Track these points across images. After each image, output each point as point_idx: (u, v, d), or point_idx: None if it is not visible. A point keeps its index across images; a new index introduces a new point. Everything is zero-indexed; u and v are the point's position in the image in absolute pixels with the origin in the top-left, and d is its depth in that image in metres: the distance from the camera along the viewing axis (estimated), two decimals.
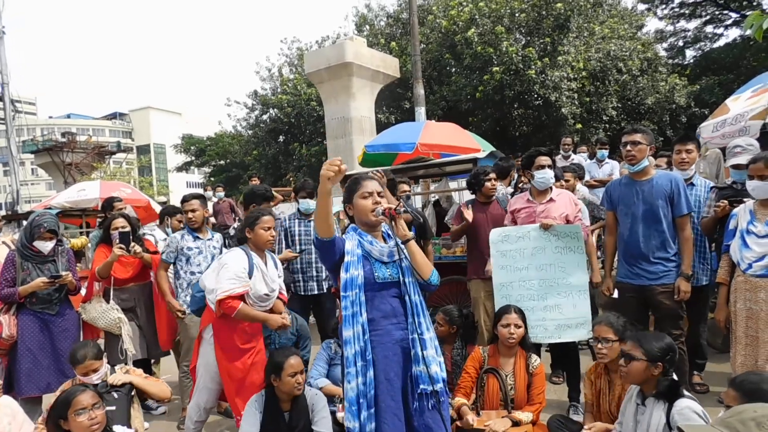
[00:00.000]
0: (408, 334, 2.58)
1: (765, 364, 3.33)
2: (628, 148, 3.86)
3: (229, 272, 3.42)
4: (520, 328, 3.58)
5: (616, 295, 4.18)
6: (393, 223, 2.56)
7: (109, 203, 5.90)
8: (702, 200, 4.32)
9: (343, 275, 2.57)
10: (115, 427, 2.94)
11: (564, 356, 4.47)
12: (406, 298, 2.58)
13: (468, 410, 3.37)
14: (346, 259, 2.59)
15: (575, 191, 5.86)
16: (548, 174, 4.29)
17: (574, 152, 9.46)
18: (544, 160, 4.30)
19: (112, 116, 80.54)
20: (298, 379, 3.28)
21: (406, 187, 5.28)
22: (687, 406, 2.43)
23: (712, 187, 4.33)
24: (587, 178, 8.09)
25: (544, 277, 4.11)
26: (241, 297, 3.43)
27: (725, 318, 3.68)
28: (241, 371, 3.55)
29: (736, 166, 4.01)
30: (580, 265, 4.10)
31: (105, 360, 3.45)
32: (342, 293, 2.58)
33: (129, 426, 3.19)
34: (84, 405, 2.69)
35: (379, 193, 2.67)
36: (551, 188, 4.40)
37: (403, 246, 2.59)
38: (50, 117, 72.45)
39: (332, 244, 2.54)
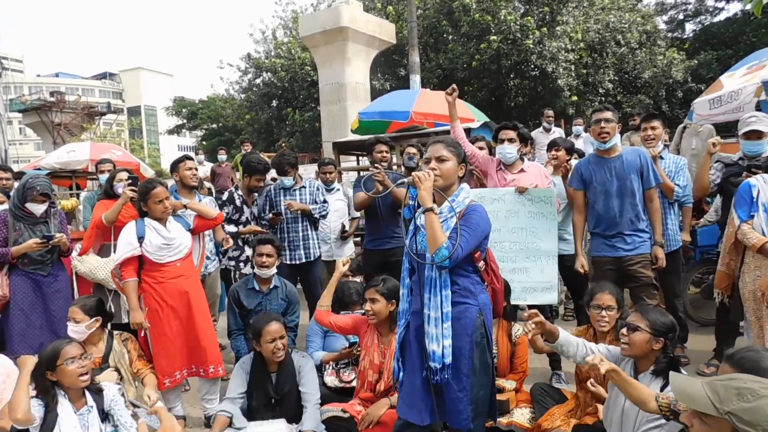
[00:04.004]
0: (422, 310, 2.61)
1: None
2: (602, 125, 3.92)
3: (121, 243, 3.70)
4: None
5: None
6: (416, 191, 2.52)
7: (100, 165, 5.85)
8: (672, 173, 4.41)
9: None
10: (102, 382, 2.99)
11: None
12: (424, 272, 2.56)
13: None
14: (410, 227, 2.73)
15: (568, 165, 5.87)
16: (506, 149, 4.33)
17: (557, 125, 9.48)
18: (506, 134, 4.34)
19: (102, 76, 79.05)
20: (277, 344, 3.33)
21: (413, 150, 5.22)
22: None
23: (717, 160, 4.39)
24: (590, 150, 8.09)
25: (516, 240, 4.23)
26: (139, 259, 3.69)
27: None
28: (162, 333, 3.68)
29: (749, 135, 4.01)
30: (551, 231, 4.21)
31: (95, 322, 3.43)
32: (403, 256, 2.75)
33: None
34: (73, 355, 2.75)
35: (439, 158, 2.61)
36: (522, 160, 4.47)
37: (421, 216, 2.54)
38: (38, 75, 71.01)
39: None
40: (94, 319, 3.42)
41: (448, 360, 2.49)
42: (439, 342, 2.50)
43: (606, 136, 3.93)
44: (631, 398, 2.37)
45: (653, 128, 4.57)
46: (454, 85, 4.31)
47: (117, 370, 3.49)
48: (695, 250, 5.01)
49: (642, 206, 3.96)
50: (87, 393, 2.86)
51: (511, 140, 4.33)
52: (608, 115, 3.92)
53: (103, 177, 5.56)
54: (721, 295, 3.87)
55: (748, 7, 3.66)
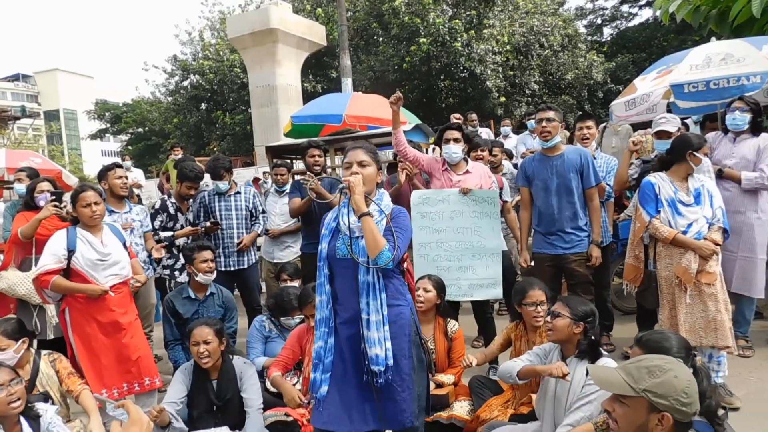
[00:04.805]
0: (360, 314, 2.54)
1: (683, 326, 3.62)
2: (543, 124, 4.10)
3: (46, 252, 3.51)
4: (430, 293, 3.68)
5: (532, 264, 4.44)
6: (350, 197, 2.48)
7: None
8: (604, 173, 4.66)
9: (319, 246, 2.65)
10: (37, 404, 2.85)
11: (482, 322, 4.72)
12: (359, 277, 2.51)
13: None
14: (322, 231, 2.65)
15: (500, 167, 6.09)
16: (452, 149, 4.42)
17: (486, 125, 9.79)
18: (451, 134, 4.45)
19: (15, 78, 74.25)
20: (200, 348, 3.26)
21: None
22: (605, 363, 2.67)
23: (637, 158, 4.65)
24: (522, 150, 8.41)
25: (461, 240, 4.35)
26: (63, 271, 3.49)
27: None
28: (90, 349, 3.55)
29: (660, 134, 4.29)
30: (494, 230, 4.37)
31: (23, 344, 3.23)
32: (318, 263, 2.65)
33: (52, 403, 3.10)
34: (1, 382, 2.60)
35: (360, 163, 2.59)
36: (466, 161, 4.58)
37: (358, 221, 2.49)
38: None
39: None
40: (20, 341, 3.21)
41: (391, 362, 2.51)
42: (382, 345, 2.51)
43: (548, 134, 4.10)
44: None
45: (588, 128, 4.87)
46: (398, 93, 4.33)
47: (46, 394, 3.29)
48: (617, 243, 5.30)
49: (581, 205, 4.14)
50: (22, 420, 2.71)
51: (456, 140, 4.42)
52: (550, 114, 4.08)
53: (20, 187, 5.29)
54: (629, 287, 4.08)
55: (658, 13, 3.95)
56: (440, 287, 3.76)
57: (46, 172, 9.39)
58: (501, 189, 4.96)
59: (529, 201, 4.38)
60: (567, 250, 4.14)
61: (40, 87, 72.86)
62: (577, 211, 4.13)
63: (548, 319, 2.87)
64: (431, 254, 4.35)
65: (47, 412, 2.83)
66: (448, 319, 3.76)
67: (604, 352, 2.77)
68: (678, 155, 3.76)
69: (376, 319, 2.52)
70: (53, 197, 4.06)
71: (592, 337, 2.77)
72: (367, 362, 2.51)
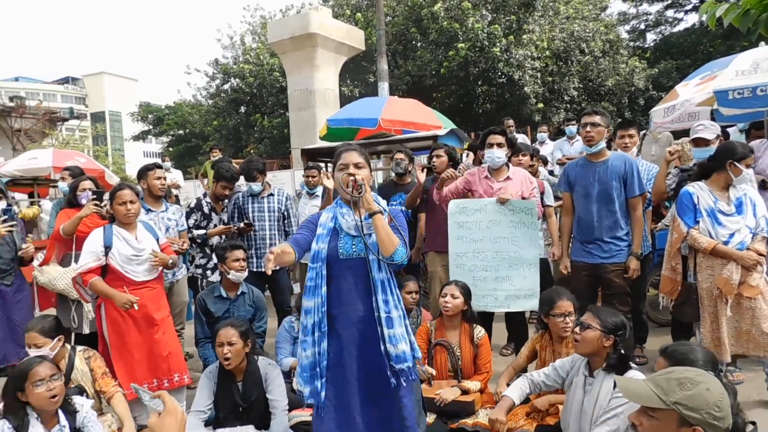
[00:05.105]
0: (373, 313, 2.53)
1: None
2: (588, 129, 3.98)
3: (85, 250, 3.62)
4: (458, 299, 3.65)
5: None
6: (359, 196, 2.48)
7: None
8: (645, 179, 4.49)
9: (313, 246, 2.58)
10: (75, 398, 2.93)
11: (514, 329, 4.65)
12: (372, 275, 2.50)
13: (425, 386, 3.45)
14: (318, 231, 2.60)
15: (537, 174, 6.00)
16: (496, 153, 4.36)
17: (523, 131, 9.69)
18: (494, 138, 4.39)
19: (64, 81, 76.94)
20: (224, 349, 3.28)
21: (401, 155, 5.32)
22: (633, 375, 2.59)
23: (675, 167, 4.53)
24: (559, 156, 8.29)
25: (498, 250, 4.28)
26: (103, 269, 3.61)
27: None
28: (123, 344, 3.63)
29: (698, 142, 4.16)
30: (532, 240, 4.28)
31: (58, 342, 3.29)
32: (309, 264, 2.59)
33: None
34: (42, 376, 2.67)
35: (356, 164, 2.58)
36: (507, 166, 4.50)
37: (369, 220, 2.50)
38: None
39: (301, 256, 2.58)
40: (56, 339, 3.28)
41: (419, 353, 2.52)
42: (407, 340, 2.52)
43: (591, 139, 3.98)
44: None
45: (630, 136, 4.74)
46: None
47: (81, 387, 3.36)
48: (654, 253, 5.16)
49: (622, 214, 4.00)
50: (60, 412, 2.78)
51: (499, 145, 4.37)
52: (596, 119, 3.96)
53: (63, 185, 5.47)
54: (665, 299, 3.96)
55: (704, 18, 3.83)
56: (467, 293, 3.73)
57: (90, 172, 9.68)
58: (543, 193, 4.88)
59: (571, 207, 4.27)
60: (605, 260, 4.01)
61: (88, 89, 75.35)
62: (617, 220, 4.00)
63: (576, 330, 2.78)
64: (467, 264, 4.29)
65: (83, 407, 2.91)
66: (474, 325, 3.72)
67: (633, 366, 2.68)
68: (719, 164, 3.64)
69: (397, 314, 2.53)
70: (94, 196, 4.18)
71: (622, 351, 2.68)
72: (390, 362, 2.48)
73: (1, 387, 2.91)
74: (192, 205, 5.13)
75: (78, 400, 2.93)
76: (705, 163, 3.79)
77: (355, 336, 2.54)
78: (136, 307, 3.56)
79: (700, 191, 3.67)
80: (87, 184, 4.53)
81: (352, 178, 2.50)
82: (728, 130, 5.92)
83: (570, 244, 4.41)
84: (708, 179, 3.71)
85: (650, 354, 4.64)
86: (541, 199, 4.81)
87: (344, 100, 13.96)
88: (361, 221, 2.49)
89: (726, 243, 3.55)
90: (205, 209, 5.02)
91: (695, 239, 3.62)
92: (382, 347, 2.48)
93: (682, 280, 3.83)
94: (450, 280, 3.85)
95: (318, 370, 2.53)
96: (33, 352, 3.15)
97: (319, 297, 2.53)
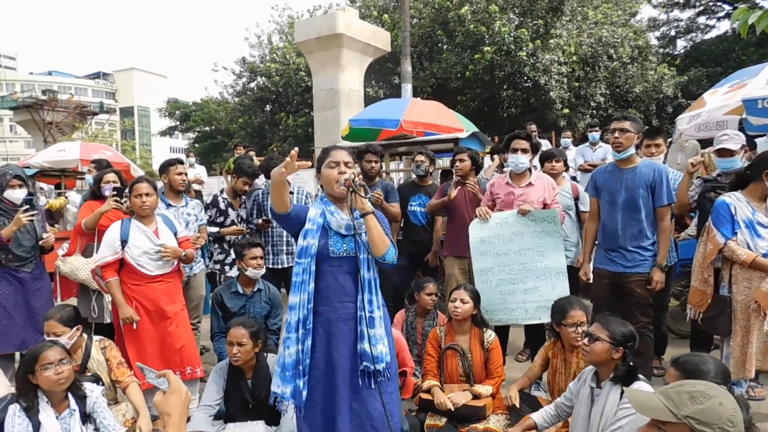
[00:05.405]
0: (356, 312, 2.56)
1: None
2: (616, 135, 3.85)
3: (103, 243, 3.73)
4: (467, 304, 3.62)
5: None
6: (352, 194, 2.51)
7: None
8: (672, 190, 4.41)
9: (300, 242, 2.57)
10: (85, 384, 2.98)
11: (531, 335, 4.60)
12: (360, 274, 2.53)
13: (439, 391, 3.46)
14: (306, 226, 2.59)
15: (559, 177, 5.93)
16: (519, 158, 4.32)
17: (547, 137, 9.60)
18: (518, 143, 4.34)
19: (96, 76, 78.63)
20: (233, 349, 3.31)
21: (422, 157, 5.33)
22: (639, 386, 2.55)
23: (698, 177, 4.42)
24: (581, 162, 8.20)
25: (524, 261, 4.20)
26: (121, 261, 3.71)
27: None
28: (137, 335, 3.70)
29: (721, 152, 4.07)
30: (557, 248, 4.19)
31: (76, 332, 3.33)
32: (296, 259, 2.59)
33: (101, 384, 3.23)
34: (50, 360, 2.73)
35: (346, 164, 2.61)
36: (530, 172, 4.46)
37: (361, 220, 2.54)
38: (31, 73, 70.60)
39: (288, 217, 2.59)
40: (74, 328, 3.32)
41: (389, 358, 2.54)
42: (384, 341, 2.55)
43: (620, 145, 3.86)
44: None
45: (657, 146, 4.63)
46: None
47: (97, 376, 3.42)
48: (676, 262, 5.07)
49: (649, 223, 3.86)
50: (70, 396, 2.84)
51: (524, 150, 4.33)
52: (625, 124, 3.82)
53: (89, 177, 5.57)
54: (693, 311, 3.85)
55: (736, 25, 3.74)
56: (476, 297, 3.71)
57: (116, 165, 9.84)
58: (577, 198, 4.81)
59: (597, 213, 4.16)
60: (628, 269, 3.88)
61: (118, 84, 76.81)
62: (643, 229, 3.86)
63: (585, 341, 2.75)
64: (494, 279, 4.21)
65: (93, 392, 2.96)
66: (484, 329, 3.69)
67: (641, 377, 2.63)
68: (755, 174, 3.54)
69: (378, 315, 2.55)
70: (115, 192, 4.25)
71: (631, 363, 2.63)
72: (366, 362, 2.49)
73: None
74: (208, 201, 5.18)
75: (88, 386, 2.98)
76: (741, 172, 3.69)
77: (345, 332, 2.54)
78: (134, 326, 3.67)
79: (737, 202, 3.56)
80: (110, 176, 4.60)
81: (347, 175, 2.52)
82: (756, 140, 5.77)
83: (594, 251, 4.34)
84: (744, 190, 3.61)
85: (669, 366, 4.55)
86: (575, 204, 4.74)
87: (369, 100, 13.98)
88: (353, 220, 2.52)
89: (765, 255, 3.45)
90: (222, 205, 5.06)
91: (733, 251, 3.52)
92: (360, 346, 2.51)
93: (713, 293, 3.72)
94: (458, 285, 3.81)
95: (300, 368, 2.51)
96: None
97: (305, 293, 2.52)
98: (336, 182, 2.57)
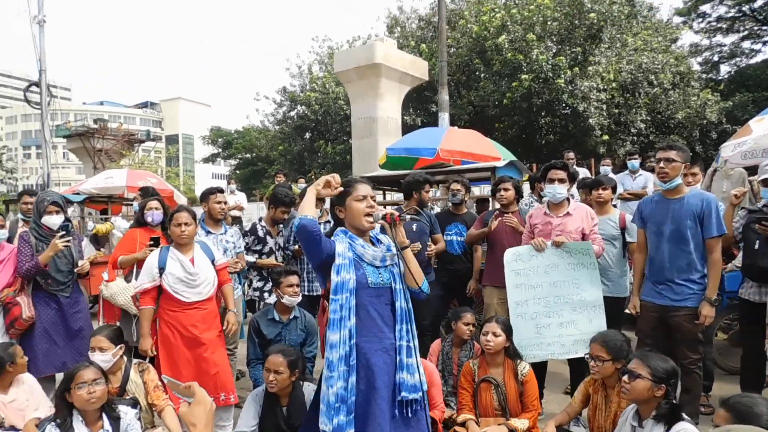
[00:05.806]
0: (395, 342, 2.57)
1: None
2: (662, 165, 3.72)
3: (143, 271, 3.83)
4: (499, 337, 3.58)
5: None
6: (393, 229, 2.57)
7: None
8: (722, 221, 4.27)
9: (334, 278, 2.52)
10: (120, 406, 3.05)
11: (576, 368, 4.48)
12: (397, 304, 2.57)
13: (475, 425, 3.41)
14: (337, 261, 2.52)
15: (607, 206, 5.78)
16: (557, 189, 4.26)
17: (586, 165, 9.44)
18: (555, 174, 4.28)
19: (144, 105, 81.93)
20: (270, 376, 3.35)
21: (457, 186, 5.34)
22: (684, 428, 2.45)
23: (742, 207, 4.28)
24: (620, 190, 8.03)
25: (559, 294, 4.10)
26: (158, 288, 3.80)
27: None
28: (173, 360, 3.76)
29: (766, 182, 3.94)
30: (593, 281, 4.09)
31: (120, 350, 3.45)
32: (332, 296, 2.53)
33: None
34: (84, 380, 2.84)
35: (372, 197, 2.64)
36: (568, 201, 4.39)
37: (391, 252, 2.62)
38: (84, 103, 74.05)
39: (316, 234, 2.50)
40: (118, 346, 3.44)
41: (426, 387, 2.56)
42: (419, 371, 2.56)
43: (665, 176, 3.72)
44: None
45: (693, 174, 4.51)
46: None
47: (136, 399, 3.48)
48: (722, 295, 4.89)
49: (698, 255, 3.69)
50: (104, 416, 2.92)
51: (561, 180, 4.25)
52: (671, 154, 3.68)
53: (136, 204, 5.74)
54: None
55: None
56: (508, 329, 3.67)
57: (161, 192, 10.20)
58: (624, 228, 4.71)
59: (644, 244, 4.01)
60: (675, 302, 3.70)
61: (164, 113, 79.63)
62: (692, 261, 3.68)
63: (625, 379, 2.66)
64: (529, 312, 4.12)
65: (127, 414, 3.03)
66: (518, 361, 3.63)
67: (686, 417, 2.53)
68: None
69: (414, 345, 2.59)
70: (151, 242, 4.37)
71: (674, 401, 2.54)
72: (404, 393, 2.50)
73: None
74: (247, 229, 5.26)
75: (122, 409, 3.06)
76: None
77: (384, 363, 2.53)
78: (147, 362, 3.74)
79: None
80: (153, 204, 4.73)
81: (388, 212, 2.61)
82: None
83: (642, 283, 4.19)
84: None
85: (717, 403, 4.36)
86: (623, 234, 4.64)
87: (406, 129, 14.10)
88: (398, 251, 2.59)
89: None
90: (260, 233, 5.14)
91: None
92: (399, 376, 2.52)
93: None
94: (489, 317, 3.77)
95: (345, 405, 2.44)
96: (96, 356, 3.32)
97: (346, 329, 2.47)
98: (365, 215, 2.59)
